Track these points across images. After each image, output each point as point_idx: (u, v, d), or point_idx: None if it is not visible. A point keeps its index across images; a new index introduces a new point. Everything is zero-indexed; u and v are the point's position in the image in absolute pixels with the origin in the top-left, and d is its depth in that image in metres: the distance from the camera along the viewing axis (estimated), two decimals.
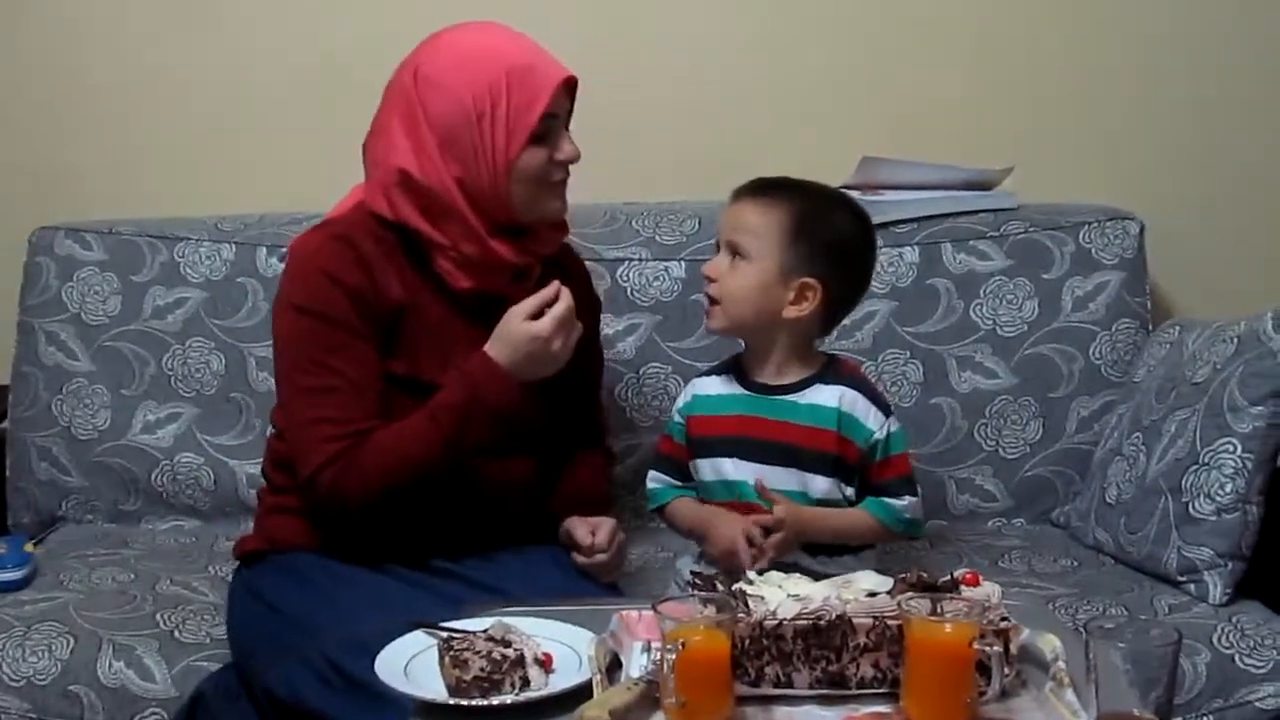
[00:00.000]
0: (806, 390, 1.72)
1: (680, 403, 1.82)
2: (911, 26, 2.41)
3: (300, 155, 2.43)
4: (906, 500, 1.73)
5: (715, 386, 1.78)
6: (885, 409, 1.74)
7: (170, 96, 2.43)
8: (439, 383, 1.70)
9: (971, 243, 2.26)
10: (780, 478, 1.71)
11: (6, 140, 2.44)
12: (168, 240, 2.28)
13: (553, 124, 1.72)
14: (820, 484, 1.72)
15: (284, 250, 2.23)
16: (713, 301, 1.72)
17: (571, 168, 1.76)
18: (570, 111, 1.76)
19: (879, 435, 1.71)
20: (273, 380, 2.19)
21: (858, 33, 2.41)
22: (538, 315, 1.68)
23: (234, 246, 2.27)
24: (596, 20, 2.36)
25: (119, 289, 2.26)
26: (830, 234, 1.70)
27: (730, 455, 1.74)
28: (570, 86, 1.74)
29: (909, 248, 2.25)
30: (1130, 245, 2.26)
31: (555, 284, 1.70)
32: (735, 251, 1.70)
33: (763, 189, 1.72)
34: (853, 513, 1.73)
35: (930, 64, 2.42)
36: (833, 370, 1.75)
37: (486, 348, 1.69)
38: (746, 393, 1.75)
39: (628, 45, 2.40)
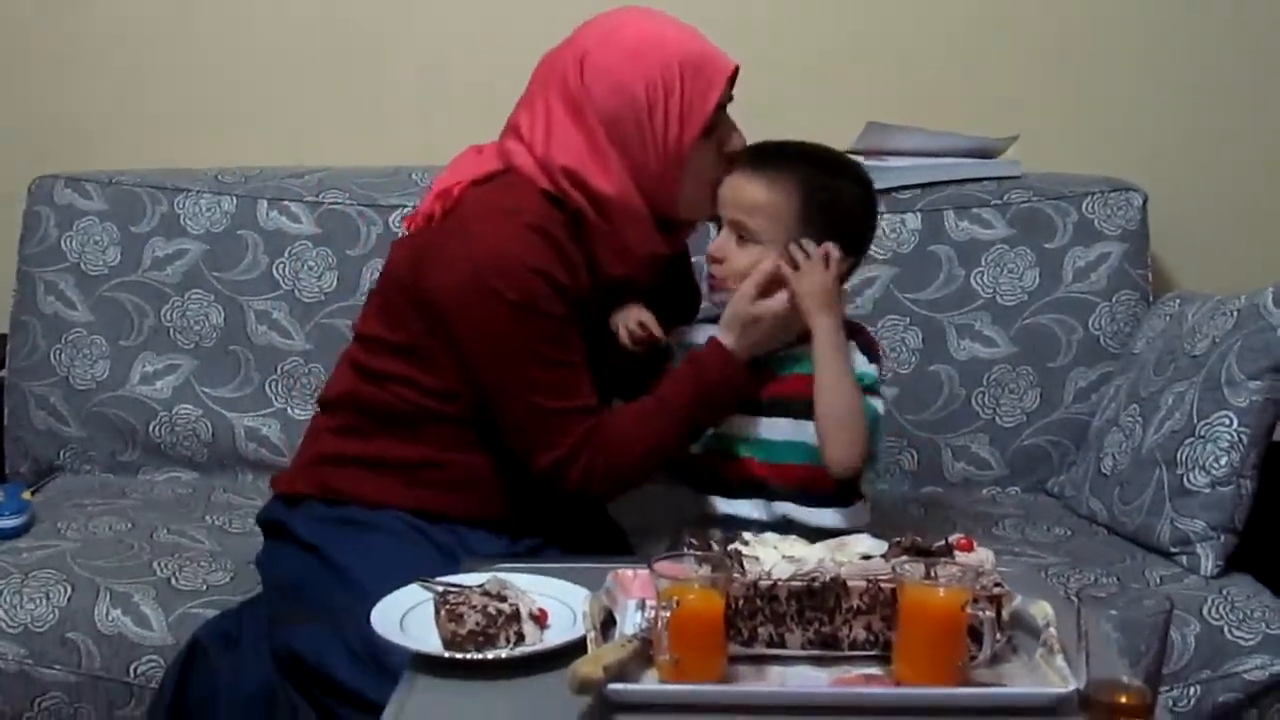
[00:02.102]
0: (807, 343, 1.68)
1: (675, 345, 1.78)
2: None
3: (302, 108, 2.42)
4: (879, 401, 1.67)
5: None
6: (877, 373, 1.69)
7: (172, 46, 2.42)
8: (590, 365, 1.68)
9: (974, 210, 2.25)
10: (781, 429, 1.68)
11: (7, 88, 2.43)
12: (168, 191, 2.27)
13: (723, 115, 1.67)
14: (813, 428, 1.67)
15: (282, 206, 2.25)
16: (719, 279, 1.68)
17: None
18: (730, 100, 1.71)
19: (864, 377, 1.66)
20: (273, 334, 2.23)
21: None
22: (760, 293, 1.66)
23: (234, 199, 2.27)
24: None
25: (118, 239, 2.25)
26: (840, 206, 1.66)
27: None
28: (734, 77, 1.69)
29: (911, 214, 2.25)
30: (1133, 217, 2.26)
31: (772, 260, 1.66)
32: (741, 231, 1.66)
33: (763, 160, 1.66)
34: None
35: (937, 31, 2.41)
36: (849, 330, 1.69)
37: (721, 338, 1.68)
38: None
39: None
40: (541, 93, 1.67)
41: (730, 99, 1.70)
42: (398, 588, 1.44)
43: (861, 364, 1.68)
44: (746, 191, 1.66)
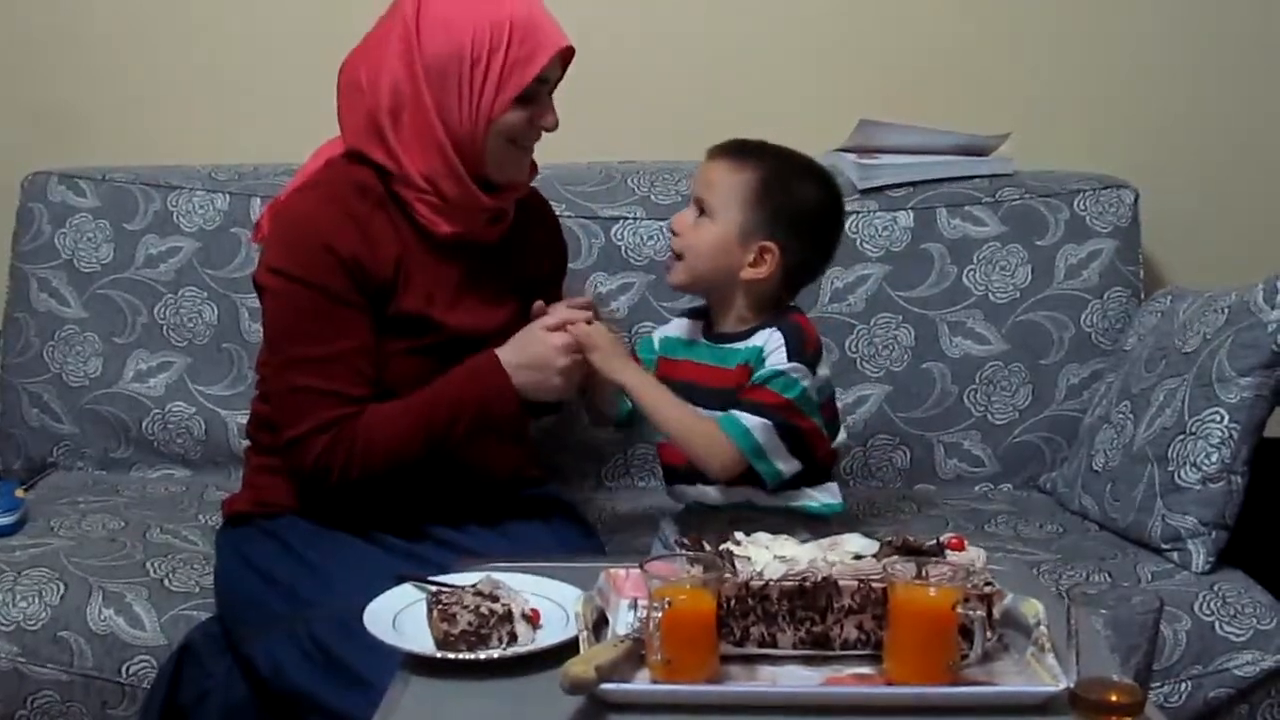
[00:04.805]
0: (750, 337, 1.72)
1: (654, 338, 1.84)
2: None
3: (295, 106, 2.40)
4: (758, 420, 1.66)
5: (680, 330, 1.81)
6: (804, 360, 1.68)
7: (168, 43, 2.42)
8: (447, 320, 1.73)
9: (966, 208, 2.26)
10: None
11: (1, 83, 2.43)
12: (161, 189, 2.27)
13: (541, 88, 1.72)
14: None
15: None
16: (676, 256, 1.74)
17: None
18: (558, 82, 1.75)
19: (768, 371, 1.68)
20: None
21: None
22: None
23: (228, 196, 2.27)
24: None
25: (112, 236, 2.25)
26: (793, 200, 1.70)
27: None
28: (566, 56, 1.73)
29: (903, 212, 2.25)
30: (1124, 214, 2.26)
31: (589, 314, 1.72)
32: (701, 208, 1.72)
33: (736, 149, 1.73)
34: (701, 412, 1.70)
35: (929, 28, 2.41)
36: (778, 319, 1.72)
37: (497, 349, 1.71)
38: (703, 341, 1.77)
39: (628, 3, 2.39)
40: (378, 36, 1.73)
41: (559, 79, 1.74)
42: (347, 590, 1.46)
43: (776, 361, 1.68)
44: (713, 173, 1.73)
